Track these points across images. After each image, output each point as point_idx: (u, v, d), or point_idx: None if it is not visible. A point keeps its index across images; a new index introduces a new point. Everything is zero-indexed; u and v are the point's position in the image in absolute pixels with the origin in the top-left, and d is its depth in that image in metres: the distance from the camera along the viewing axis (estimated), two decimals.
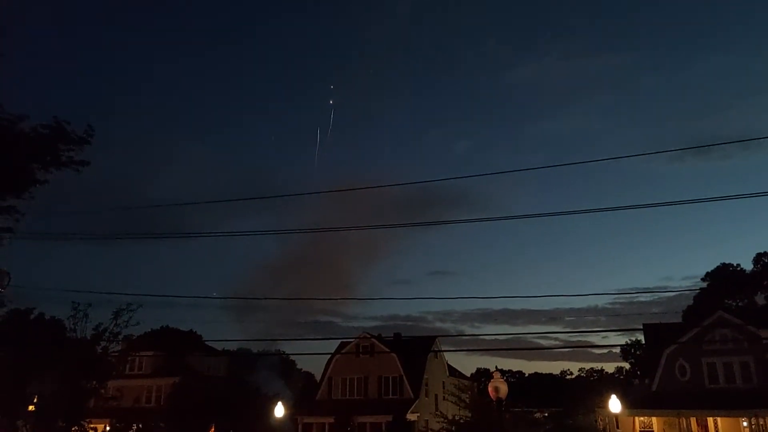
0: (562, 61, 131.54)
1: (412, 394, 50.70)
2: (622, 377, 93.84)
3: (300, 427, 50.88)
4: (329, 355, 53.71)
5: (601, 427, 44.56)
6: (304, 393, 59.83)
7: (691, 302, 65.62)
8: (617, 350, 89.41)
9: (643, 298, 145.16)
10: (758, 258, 66.61)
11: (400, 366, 51.91)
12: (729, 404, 38.71)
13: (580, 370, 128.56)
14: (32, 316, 41.57)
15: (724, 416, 40.51)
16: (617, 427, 34.68)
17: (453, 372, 63.58)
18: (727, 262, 69.78)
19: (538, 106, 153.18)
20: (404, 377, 51.64)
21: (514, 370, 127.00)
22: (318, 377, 59.77)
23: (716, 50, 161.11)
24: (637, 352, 76.30)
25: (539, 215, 25.55)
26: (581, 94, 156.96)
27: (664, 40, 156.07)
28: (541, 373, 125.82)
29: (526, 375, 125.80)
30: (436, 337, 58.87)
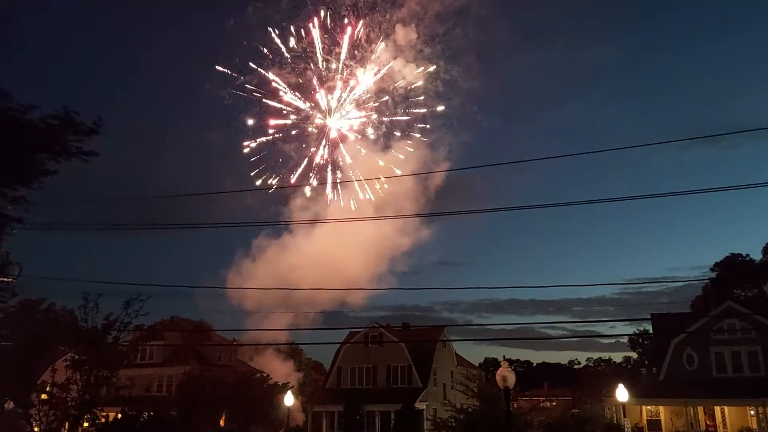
0: (567, 49, 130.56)
1: (420, 384, 50.95)
2: (629, 367, 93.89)
3: (309, 415, 51.28)
4: (338, 345, 54.03)
5: (609, 416, 44.65)
6: (314, 382, 60.26)
7: (699, 292, 65.47)
8: (625, 340, 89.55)
9: (651, 288, 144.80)
10: (767, 248, 66.31)
11: (408, 355, 52.14)
12: (736, 393, 38.75)
13: (587, 359, 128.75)
14: (43, 306, 42.03)
15: (732, 405, 40.59)
16: (624, 416, 34.79)
17: (461, 361, 63.76)
18: (736, 252, 69.58)
19: (544, 96, 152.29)
20: (413, 366, 51.87)
21: (522, 359, 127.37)
22: (327, 366, 60.15)
23: (725, 37, 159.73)
24: (645, 342, 76.29)
25: (546, 206, 25.64)
26: (587, 83, 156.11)
27: (672, 27, 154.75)
28: (549, 363, 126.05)
29: (534, 364, 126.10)
30: (444, 326, 59.01)
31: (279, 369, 56.40)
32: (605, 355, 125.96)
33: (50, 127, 12.73)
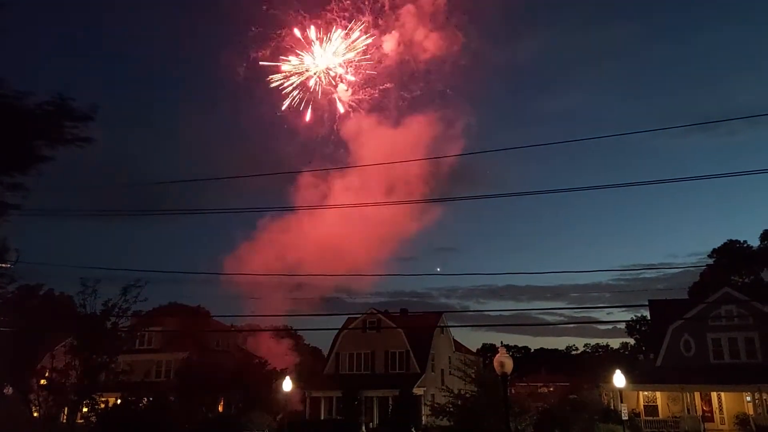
0: (564, 34, 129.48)
1: (418, 369, 51.17)
2: (627, 353, 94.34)
3: (308, 401, 51.50)
4: (336, 331, 54.17)
5: (606, 401, 44.87)
6: (312, 368, 60.44)
7: (697, 278, 65.68)
8: (622, 326, 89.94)
9: (649, 274, 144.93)
10: (765, 235, 66.32)
11: (406, 341, 52.34)
12: (733, 379, 38.99)
13: (585, 345, 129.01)
14: (41, 292, 42.08)
15: (728, 391, 40.82)
16: (621, 402, 34.95)
17: (459, 347, 64.03)
18: (733, 238, 69.68)
19: (542, 80, 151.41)
20: (411, 352, 52.09)
21: (520, 345, 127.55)
22: (325, 352, 60.35)
23: (724, 23, 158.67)
24: (642, 328, 76.66)
25: (543, 192, 25.61)
26: (585, 68, 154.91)
27: (671, 13, 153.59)
28: (547, 349, 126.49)
29: (532, 350, 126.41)
30: (442, 312, 59.23)
31: (275, 348, 56.36)
32: (603, 341, 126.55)
33: (46, 114, 12.66)
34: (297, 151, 58.77)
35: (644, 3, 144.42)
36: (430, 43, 54.57)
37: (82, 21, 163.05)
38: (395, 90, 55.88)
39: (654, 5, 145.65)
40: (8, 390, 39.87)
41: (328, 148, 58.02)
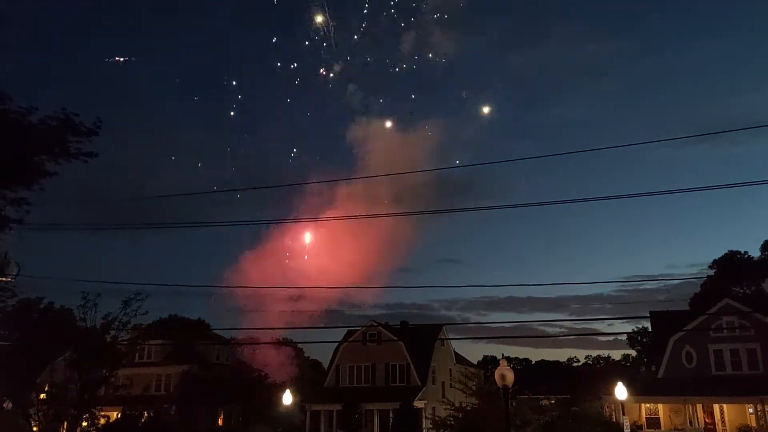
0: (564, 46, 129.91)
1: (419, 382, 50.99)
2: (628, 364, 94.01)
3: (308, 414, 51.29)
4: (337, 343, 54.00)
5: (608, 413, 44.71)
6: (312, 381, 60.25)
7: (698, 290, 65.55)
8: (624, 338, 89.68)
9: (649, 285, 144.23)
10: (766, 245, 66.33)
11: (407, 354, 52.17)
12: (735, 391, 38.85)
13: (586, 357, 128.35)
14: (42, 306, 42.02)
15: (731, 403, 40.69)
16: (623, 414, 34.81)
17: (460, 359, 63.77)
18: (734, 249, 69.65)
19: (542, 93, 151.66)
20: (411, 365, 51.91)
21: (521, 357, 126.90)
22: (326, 365, 60.11)
23: (723, 34, 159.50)
24: (644, 340, 76.47)
25: (544, 203, 25.64)
26: (585, 80, 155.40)
27: (669, 23, 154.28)
28: (548, 361, 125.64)
29: (533, 362, 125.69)
30: (442, 325, 59.02)
31: (275, 361, 56.01)
32: (604, 353, 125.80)
33: (50, 129, 12.72)
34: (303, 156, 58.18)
35: (644, 17, 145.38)
36: (444, 47, 54.31)
37: (83, 33, 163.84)
38: (406, 94, 55.81)
39: (653, 19, 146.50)
40: (8, 404, 39.70)
41: (336, 154, 57.84)
